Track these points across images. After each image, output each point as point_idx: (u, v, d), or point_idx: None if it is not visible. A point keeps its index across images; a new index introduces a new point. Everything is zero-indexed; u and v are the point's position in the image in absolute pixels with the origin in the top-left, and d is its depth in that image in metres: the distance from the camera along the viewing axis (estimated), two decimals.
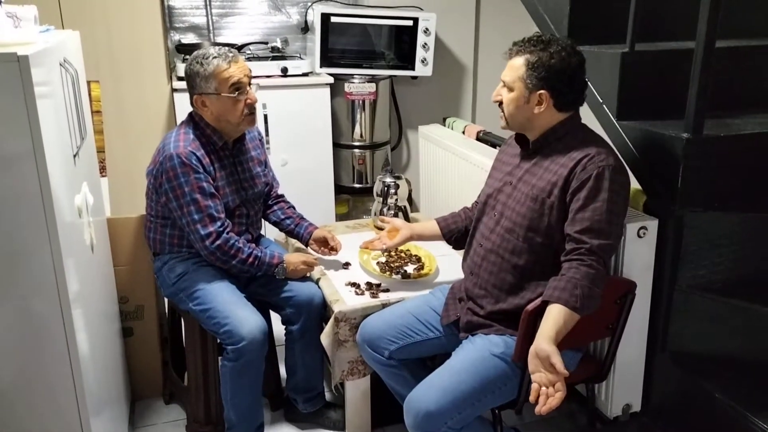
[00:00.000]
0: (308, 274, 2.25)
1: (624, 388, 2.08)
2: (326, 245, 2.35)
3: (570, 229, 1.68)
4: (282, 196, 2.45)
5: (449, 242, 2.15)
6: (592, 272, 1.62)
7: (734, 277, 1.97)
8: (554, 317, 1.59)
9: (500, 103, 1.82)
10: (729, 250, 1.95)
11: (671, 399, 2.06)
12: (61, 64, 1.69)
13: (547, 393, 1.54)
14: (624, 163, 1.76)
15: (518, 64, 1.75)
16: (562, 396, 1.54)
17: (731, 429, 1.82)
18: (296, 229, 2.38)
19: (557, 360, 1.52)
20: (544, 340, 1.56)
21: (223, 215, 2.08)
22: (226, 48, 2.10)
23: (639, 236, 1.92)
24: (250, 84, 2.10)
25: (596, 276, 1.63)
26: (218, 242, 2.04)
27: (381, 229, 2.67)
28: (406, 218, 2.66)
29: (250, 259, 2.09)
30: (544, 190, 1.75)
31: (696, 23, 1.82)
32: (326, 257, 2.37)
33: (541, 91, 1.73)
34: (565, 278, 1.63)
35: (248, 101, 2.08)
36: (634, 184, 2.11)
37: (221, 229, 2.05)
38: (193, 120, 2.12)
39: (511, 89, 1.77)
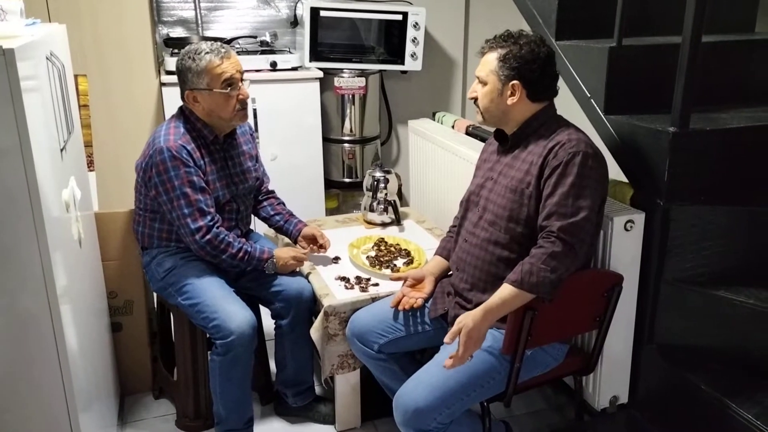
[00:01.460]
0: (298, 269, 2.25)
1: (611, 380, 2.10)
2: (315, 242, 2.35)
3: (540, 217, 1.73)
4: (272, 192, 2.44)
5: None
6: (546, 252, 1.66)
7: (720, 269, 1.99)
8: (498, 293, 1.70)
9: (476, 100, 1.86)
10: (715, 243, 1.97)
11: (658, 391, 2.08)
12: (47, 58, 1.68)
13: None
14: (599, 151, 1.76)
15: (491, 58, 1.80)
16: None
17: (716, 420, 1.84)
18: (285, 225, 2.38)
19: (457, 331, 1.67)
20: (475, 312, 1.68)
21: (213, 209, 2.07)
22: (219, 43, 2.09)
23: (626, 229, 1.94)
24: (242, 79, 2.09)
25: (550, 254, 1.65)
26: (208, 236, 2.03)
27: (370, 223, 2.68)
28: (396, 213, 2.67)
29: (240, 254, 2.09)
30: (523, 181, 1.77)
31: (683, 18, 1.83)
32: (315, 254, 2.37)
33: (514, 82, 1.77)
34: (521, 262, 1.70)
35: (240, 97, 2.08)
36: (622, 178, 2.13)
37: (211, 223, 2.05)
38: (183, 114, 2.11)
39: (485, 83, 1.82)
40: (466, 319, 1.67)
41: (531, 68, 1.76)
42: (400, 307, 1.95)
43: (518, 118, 1.82)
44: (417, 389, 1.73)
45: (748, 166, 2.04)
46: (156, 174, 2.01)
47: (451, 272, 2.00)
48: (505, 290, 1.68)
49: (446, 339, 1.69)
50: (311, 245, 2.35)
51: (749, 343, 1.90)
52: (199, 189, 2.03)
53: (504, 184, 1.82)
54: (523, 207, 1.76)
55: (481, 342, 1.69)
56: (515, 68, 1.76)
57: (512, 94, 1.78)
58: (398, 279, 2.07)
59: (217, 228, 2.06)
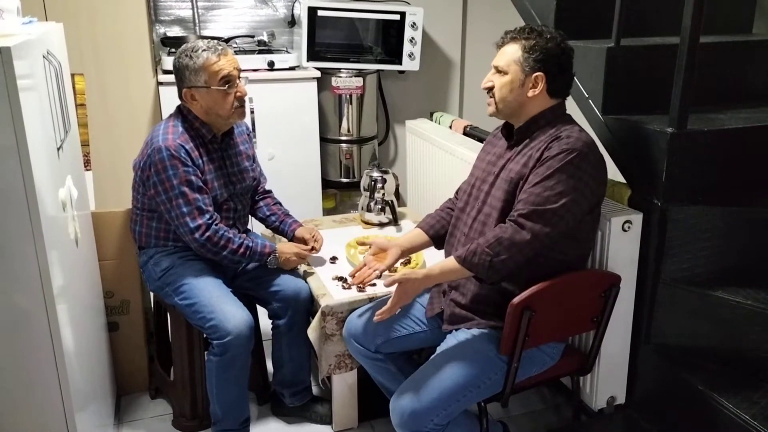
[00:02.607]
0: (298, 267, 2.25)
1: (608, 380, 2.10)
2: (307, 244, 2.34)
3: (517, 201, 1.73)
4: (269, 192, 2.44)
5: (439, 246, 2.07)
6: (496, 235, 1.69)
7: (717, 270, 2.00)
8: (441, 263, 1.79)
9: (489, 90, 1.83)
10: (712, 243, 1.97)
11: (655, 391, 2.08)
12: (44, 57, 1.68)
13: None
14: (598, 153, 1.75)
15: (513, 49, 1.78)
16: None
17: (714, 420, 1.84)
18: (281, 226, 2.37)
19: (397, 280, 1.77)
20: (418, 272, 1.78)
21: (211, 208, 2.07)
22: (215, 41, 2.08)
23: (623, 230, 1.94)
24: (239, 77, 2.09)
25: (498, 239, 1.68)
26: (208, 234, 2.03)
27: (368, 223, 2.68)
28: (393, 213, 2.67)
29: (241, 250, 2.09)
30: (519, 173, 1.76)
31: (681, 19, 1.84)
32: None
33: (537, 74, 1.75)
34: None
35: (238, 94, 2.07)
36: (619, 178, 2.13)
37: (210, 221, 2.04)
38: (181, 113, 2.11)
39: (505, 73, 1.78)
40: (408, 275, 1.77)
41: (556, 62, 1.75)
42: (354, 281, 1.98)
43: (532, 112, 1.80)
44: (413, 391, 1.72)
45: (746, 166, 2.04)
46: (155, 173, 2.00)
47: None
48: (449, 262, 1.76)
49: (385, 282, 1.80)
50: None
51: (747, 343, 1.91)
52: (197, 188, 2.03)
53: (503, 177, 1.81)
54: (516, 200, 1.75)
55: (410, 298, 1.79)
56: (541, 60, 1.74)
57: (533, 86, 1.76)
58: (362, 244, 2.06)
59: (217, 225, 2.06)
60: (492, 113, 1.85)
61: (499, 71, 1.80)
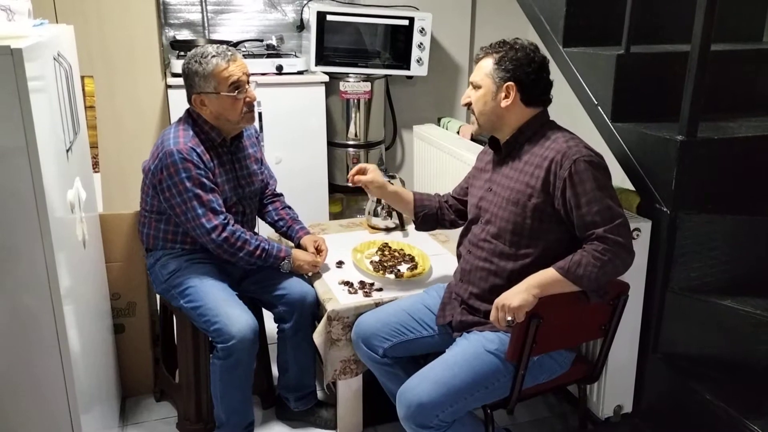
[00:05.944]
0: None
1: (616, 389, 2.09)
2: None
3: (578, 230, 1.71)
4: (279, 195, 2.44)
5: (416, 217, 2.15)
6: (596, 248, 1.65)
7: (726, 279, 1.98)
8: (540, 273, 1.70)
9: (469, 106, 1.87)
10: (721, 252, 1.96)
11: (662, 400, 2.07)
12: (54, 59, 1.68)
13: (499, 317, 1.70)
14: (597, 152, 1.76)
15: (486, 63, 1.82)
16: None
17: (721, 430, 1.83)
18: (288, 232, 2.38)
19: (509, 315, 1.66)
20: (519, 289, 1.68)
21: (224, 209, 2.08)
22: (224, 46, 2.09)
23: (632, 238, 1.92)
24: (248, 82, 2.09)
25: (602, 250, 1.64)
26: (224, 234, 2.04)
27: (374, 228, 2.68)
28: (400, 218, 2.67)
29: (258, 252, 2.10)
30: (524, 193, 1.77)
31: (691, 26, 1.83)
32: None
33: (508, 83, 1.78)
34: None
35: (247, 99, 2.08)
36: (628, 185, 2.13)
37: (225, 221, 2.05)
38: (191, 117, 2.11)
39: (478, 87, 1.83)
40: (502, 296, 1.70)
41: (525, 71, 1.77)
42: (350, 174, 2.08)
43: (512, 123, 1.82)
44: (421, 385, 1.73)
45: (756, 175, 2.03)
46: (167, 176, 2.01)
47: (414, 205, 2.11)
48: (548, 272, 1.69)
49: (495, 323, 1.72)
50: None
51: (755, 353, 1.89)
52: (209, 189, 2.04)
53: (504, 196, 1.82)
54: (526, 219, 1.76)
55: (517, 302, 1.67)
56: (510, 70, 1.77)
57: (506, 96, 1.79)
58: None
59: (233, 226, 2.06)
60: (476, 132, 1.90)
61: (474, 86, 1.84)
